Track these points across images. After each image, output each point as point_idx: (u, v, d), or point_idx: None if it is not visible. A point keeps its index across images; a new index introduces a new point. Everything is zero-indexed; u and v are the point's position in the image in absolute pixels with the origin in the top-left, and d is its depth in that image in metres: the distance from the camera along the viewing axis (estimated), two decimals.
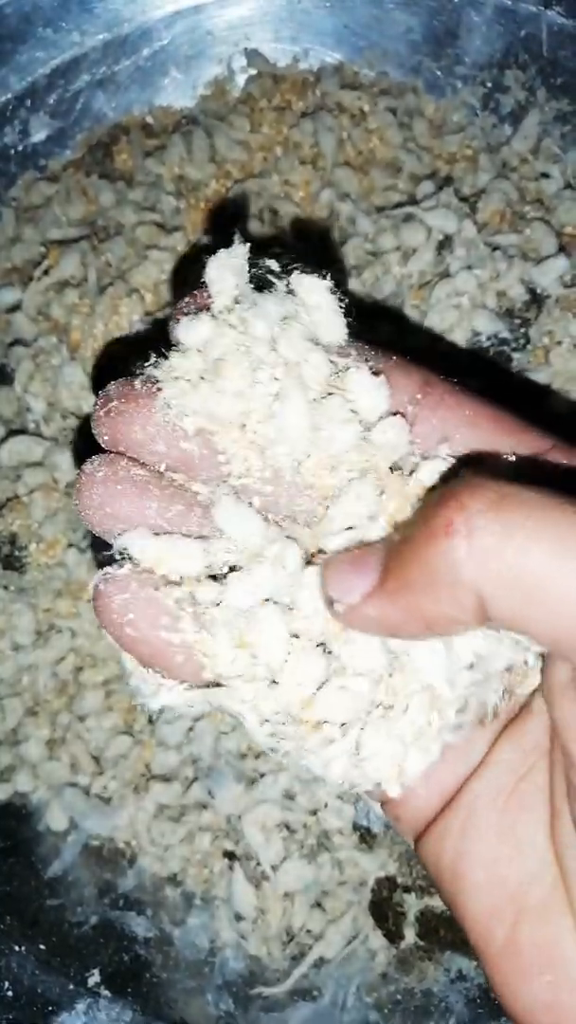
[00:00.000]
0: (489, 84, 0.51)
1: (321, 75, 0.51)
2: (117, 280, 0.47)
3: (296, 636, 0.24)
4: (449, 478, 0.25)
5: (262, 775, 0.45)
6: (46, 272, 0.48)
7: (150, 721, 0.48)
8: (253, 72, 0.51)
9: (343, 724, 0.25)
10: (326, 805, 0.46)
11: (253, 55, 0.51)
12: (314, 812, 0.46)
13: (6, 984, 0.43)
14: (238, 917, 0.46)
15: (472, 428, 0.25)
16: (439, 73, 0.51)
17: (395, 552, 0.22)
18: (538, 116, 0.50)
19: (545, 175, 0.49)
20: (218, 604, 0.25)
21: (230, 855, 0.46)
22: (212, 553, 0.25)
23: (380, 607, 0.22)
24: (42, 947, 0.45)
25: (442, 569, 0.20)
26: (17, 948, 0.45)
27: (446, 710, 0.25)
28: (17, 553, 0.47)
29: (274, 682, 0.24)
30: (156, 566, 0.25)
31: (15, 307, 0.49)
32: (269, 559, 0.24)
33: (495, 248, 0.48)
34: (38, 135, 0.50)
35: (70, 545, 0.47)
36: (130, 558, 0.25)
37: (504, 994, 0.25)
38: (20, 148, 0.50)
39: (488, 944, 0.25)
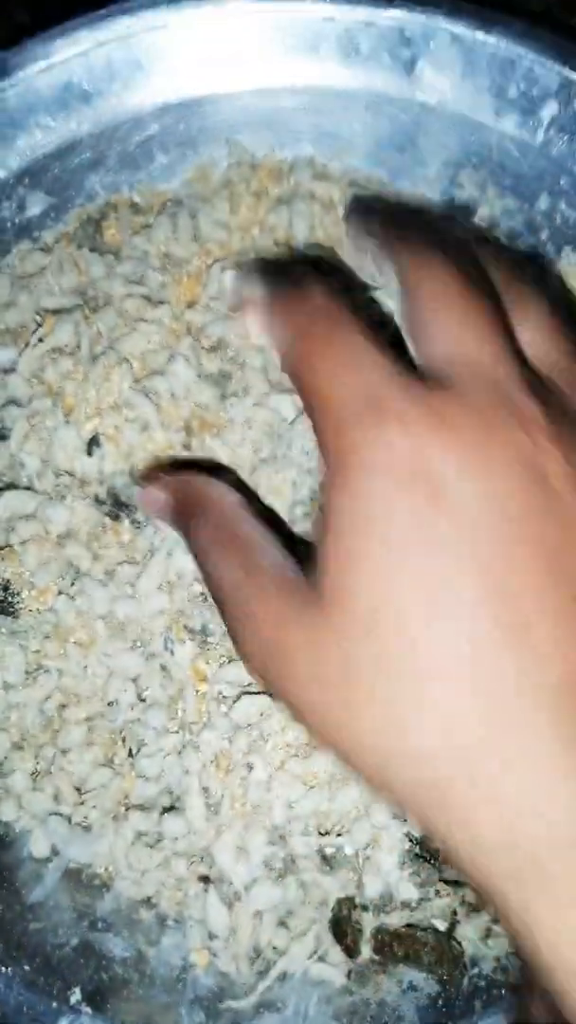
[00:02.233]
0: (445, 180, 0.56)
1: (295, 166, 0.57)
2: (108, 349, 0.51)
3: None
4: None
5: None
6: (41, 339, 0.52)
7: (130, 755, 0.51)
8: (233, 160, 0.56)
9: None
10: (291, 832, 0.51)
11: (234, 145, 0.56)
12: (282, 836, 0.50)
13: None
14: (211, 935, 0.50)
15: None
16: (401, 168, 0.57)
17: None
18: (487, 211, 0.56)
19: None
20: None
21: (204, 879, 0.50)
22: None
23: None
24: (27, 968, 0.48)
25: None
26: (4, 969, 0.48)
27: None
28: (11, 599, 0.51)
29: None
30: None
31: (11, 369, 0.52)
32: None
33: None
34: (33, 210, 0.54)
35: (60, 592, 0.50)
36: None
37: None
38: (16, 221, 0.54)
39: None
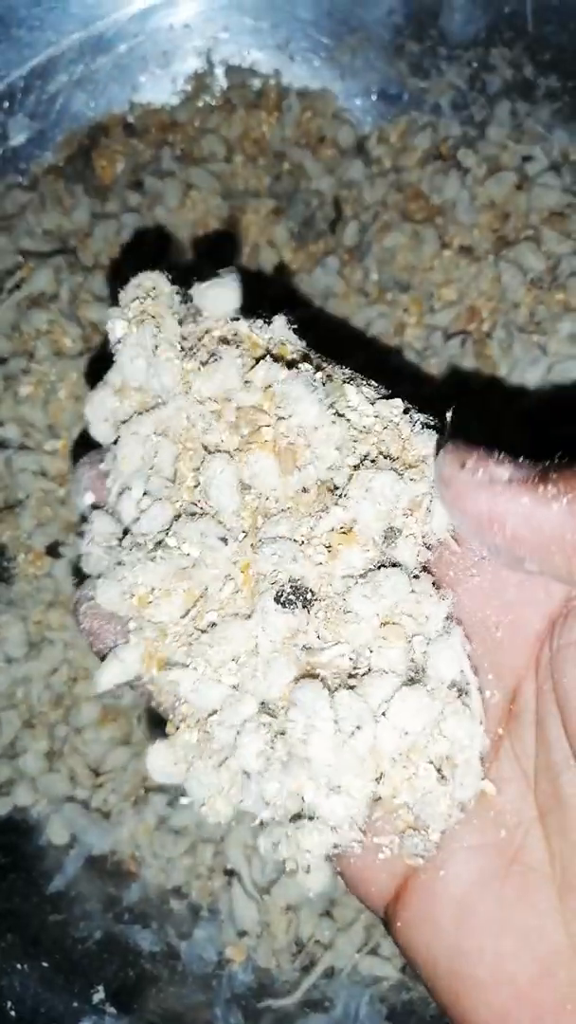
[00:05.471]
0: (475, 64, 0.49)
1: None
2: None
3: None
4: None
5: None
6: (18, 286, 0.46)
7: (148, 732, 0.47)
8: (233, 64, 0.50)
9: None
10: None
11: (232, 71, 0.50)
12: None
13: (8, 1004, 0.43)
14: (241, 933, 0.45)
15: None
16: (422, 55, 0.49)
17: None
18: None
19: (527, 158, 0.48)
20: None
21: (229, 872, 0.45)
22: None
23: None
24: (45, 964, 0.44)
25: None
26: (19, 966, 0.44)
27: None
28: (5, 564, 0.47)
29: None
30: None
31: None
32: None
33: None
34: (17, 138, 0.50)
35: (59, 556, 0.46)
36: None
37: None
38: (0, 152, 0.50)
39: None
